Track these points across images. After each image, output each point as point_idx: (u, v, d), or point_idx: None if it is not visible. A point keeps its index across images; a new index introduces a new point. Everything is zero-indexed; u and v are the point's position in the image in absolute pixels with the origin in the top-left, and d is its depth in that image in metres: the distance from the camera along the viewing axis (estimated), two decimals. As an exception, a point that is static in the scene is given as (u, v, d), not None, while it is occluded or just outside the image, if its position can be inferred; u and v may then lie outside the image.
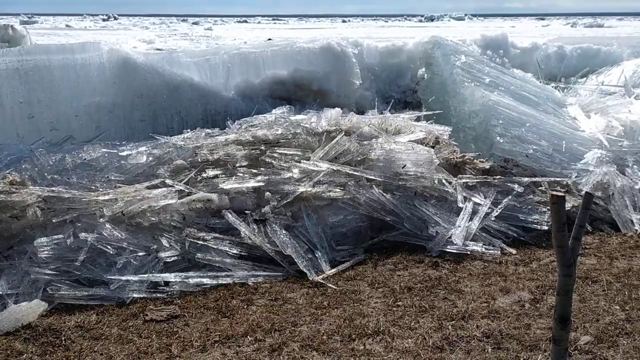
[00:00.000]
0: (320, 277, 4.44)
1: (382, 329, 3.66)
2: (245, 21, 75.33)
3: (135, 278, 4.24)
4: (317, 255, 4.63)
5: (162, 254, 4.42)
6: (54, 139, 6.02)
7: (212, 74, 7.39)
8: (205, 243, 4.58)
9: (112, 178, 5.10)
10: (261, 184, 5.02)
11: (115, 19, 73.69)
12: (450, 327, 3.69)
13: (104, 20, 68.95)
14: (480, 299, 4.08)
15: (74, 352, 3.48)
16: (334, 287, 4.32)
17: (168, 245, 4.49)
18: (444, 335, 3.58)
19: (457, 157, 5.69)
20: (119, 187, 4.95)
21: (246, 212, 4.88)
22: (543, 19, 77.32)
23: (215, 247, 4.56)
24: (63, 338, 3.62)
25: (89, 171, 5.19)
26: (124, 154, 5.46)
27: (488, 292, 4.19)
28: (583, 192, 5.62)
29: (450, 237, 4.84)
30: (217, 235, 4.65)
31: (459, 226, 4.92)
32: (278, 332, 3.66)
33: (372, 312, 3.92)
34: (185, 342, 3.56)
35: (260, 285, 4.36)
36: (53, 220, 4.53)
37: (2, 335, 3.65)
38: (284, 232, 4.69)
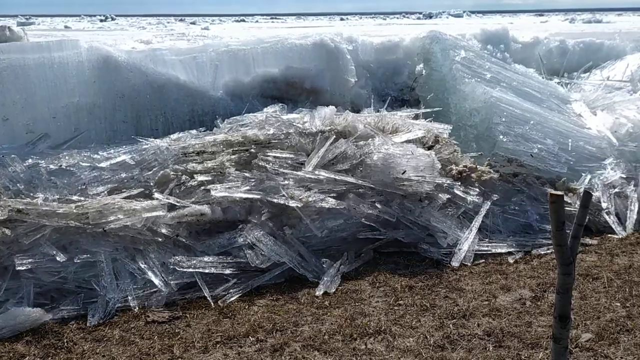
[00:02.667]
0: (322, 283, 4.34)
1: (383, 328, 3.68)
2: (243, 20, 74.97)
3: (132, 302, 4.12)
4: (319, 262, 4.56)
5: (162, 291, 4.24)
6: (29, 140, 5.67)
7: (199, 73, 7.03)
8: (197, 270, 4.34)
9: (92, 186, 4.75)
10: (255, 196, 4.77)
11: (113, 19, 73.36)
12: (451, 325, 3.70)
13: (101, 20, 68.57)
14: (481, 297, 4.09)
15: (76, 354, 3.50)
16: (334, 286, 4.29)
17: (157, 277, 4.29)
18: (445, 334, 3.59)
19: (458, 167, 5.39)
20: (100, 197, 4.61)
21: (239, 222, 4.68)
22: (542, 15, 77.19)
23: (209, 271, 4.36)
24: (65, 340, 3.64)
25: (66, 179, 4.83)
26: (105, 158, 5.10)
27: (489, 290, 4.20)
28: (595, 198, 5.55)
29: (457, 246, 4.78)
30: (209, 260, 4.40)
31: (467, 238, 4.82)
32: (280, 332, 3.68)
33: (373, 311, 3.93)
34: (187, 343, 3.58)
35: (261, 285, 4.35)
36: (25, 239, 4.24)
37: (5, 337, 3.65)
38: (272, 239, 4.54)
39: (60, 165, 5.04)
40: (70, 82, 6.10)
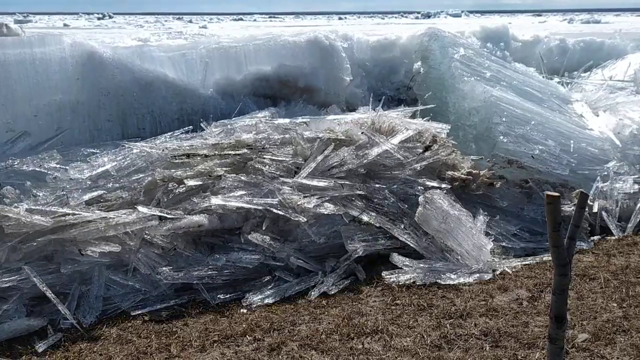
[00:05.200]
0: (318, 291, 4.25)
1: (380, 327, 3.67)
2: (241, 19, 74.86)
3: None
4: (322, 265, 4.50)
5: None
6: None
7: (188, 70, 6.74)
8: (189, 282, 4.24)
9: (73, 193, 4.48)
10: (251, 206, 4.56)
11: (110, 17, 73.23)
12: (448, 325, 3.69)
13: (99, 18, 68.43)
14: (478, 297, 4.09)
15: (73, 352, 3.50)
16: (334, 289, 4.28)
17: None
18: (442, 334, 3.59)
19: (460, 172, 5.17)
20: (82, 207, 4.36)
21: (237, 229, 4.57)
22: (540, 15, 77.23)
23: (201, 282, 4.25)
24: (62, 339, 3.64)
25: (46, 187, 4.57)
26: (88, 168, 4.84)
27: (486, 290, 4.19)
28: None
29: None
30: (210, 273, 4.28)
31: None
32: (277, 332, 3.67)
33: (370, 310, 3.93)
34: (184, 342, 3.58)
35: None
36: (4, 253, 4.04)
37: None
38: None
39: (41, 166, 4.80)
40: (52, 79, 5.79)
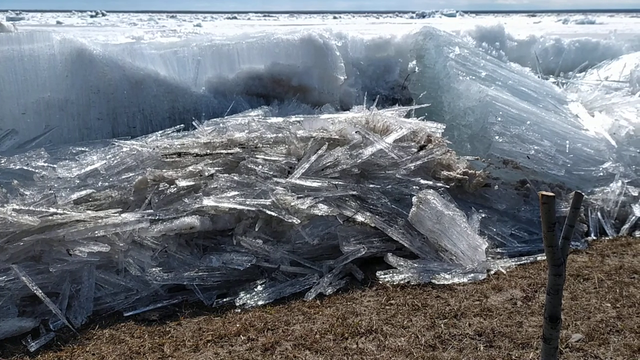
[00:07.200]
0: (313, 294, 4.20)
1: (374, 327, 3.66)
2: (235, 17, 74.72)
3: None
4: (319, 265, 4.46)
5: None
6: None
7: (180, 68, 6.68)
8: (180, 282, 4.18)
9: (61, 192, 4.38)
10: (244, 207, 4.48)
11: (104, 15, 72.95)
12: (442, 325, 3.69)
13: (92, 16, 68.14)
14: (472, 297, 4.08)
15: (66, 352, 3.48)
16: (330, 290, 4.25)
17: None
18: (436, 334, 3.59)
19: (457, 172, 5.10)
20: (70, 207, 4.26)
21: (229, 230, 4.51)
22: (534, 16, 77.43)
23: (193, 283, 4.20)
24: (54, 338, 3.62)
25: (34, 186, 4.48)
26: (77, 166, 4.74)
27: (480, 290, 4.18)
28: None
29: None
30: (201, 274, 4.22)
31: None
32: (271, 331, 3.66)
33: (365, 310, 3.91)
34: (177, 342, 3.56)
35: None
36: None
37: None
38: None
39: (28, 164, 4.70)
40: (41, 77, 5.71)
